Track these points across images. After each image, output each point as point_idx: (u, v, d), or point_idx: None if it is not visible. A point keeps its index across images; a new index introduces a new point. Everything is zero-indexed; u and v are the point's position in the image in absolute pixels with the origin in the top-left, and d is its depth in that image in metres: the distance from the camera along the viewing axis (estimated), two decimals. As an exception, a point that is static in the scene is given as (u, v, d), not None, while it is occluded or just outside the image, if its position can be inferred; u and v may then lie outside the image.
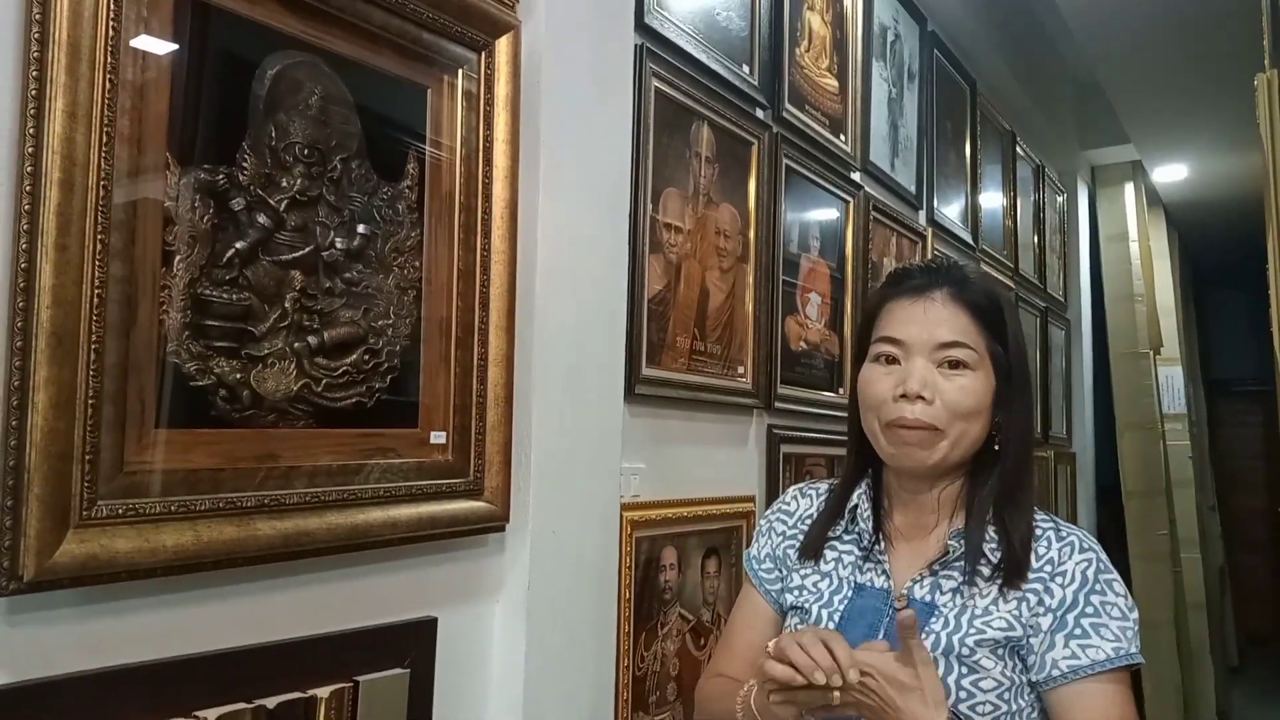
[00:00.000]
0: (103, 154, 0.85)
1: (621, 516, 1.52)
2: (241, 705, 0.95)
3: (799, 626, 1.09)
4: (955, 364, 1.02)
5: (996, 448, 1.05)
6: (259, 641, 0.99)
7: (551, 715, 1.31)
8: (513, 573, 1.30)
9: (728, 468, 1.88)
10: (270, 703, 0.97)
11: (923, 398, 1.00)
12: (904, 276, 1.08)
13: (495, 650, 1.29)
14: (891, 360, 1.04)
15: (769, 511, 1.22)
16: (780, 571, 1.16)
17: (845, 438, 1.17)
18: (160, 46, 0.91)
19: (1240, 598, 6.54)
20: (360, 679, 1.06)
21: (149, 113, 0.90)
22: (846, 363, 2.24)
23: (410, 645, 1.14)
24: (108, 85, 0.85)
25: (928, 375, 1.01)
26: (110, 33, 0.86)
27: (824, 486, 1.19)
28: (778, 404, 1.99)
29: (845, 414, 1.19)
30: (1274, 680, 5.84)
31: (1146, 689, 4.37)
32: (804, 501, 1.19)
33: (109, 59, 0.85)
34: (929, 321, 1.03)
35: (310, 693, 1.01)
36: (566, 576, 1.36)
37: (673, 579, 1.67)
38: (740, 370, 1.89)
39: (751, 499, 1.91)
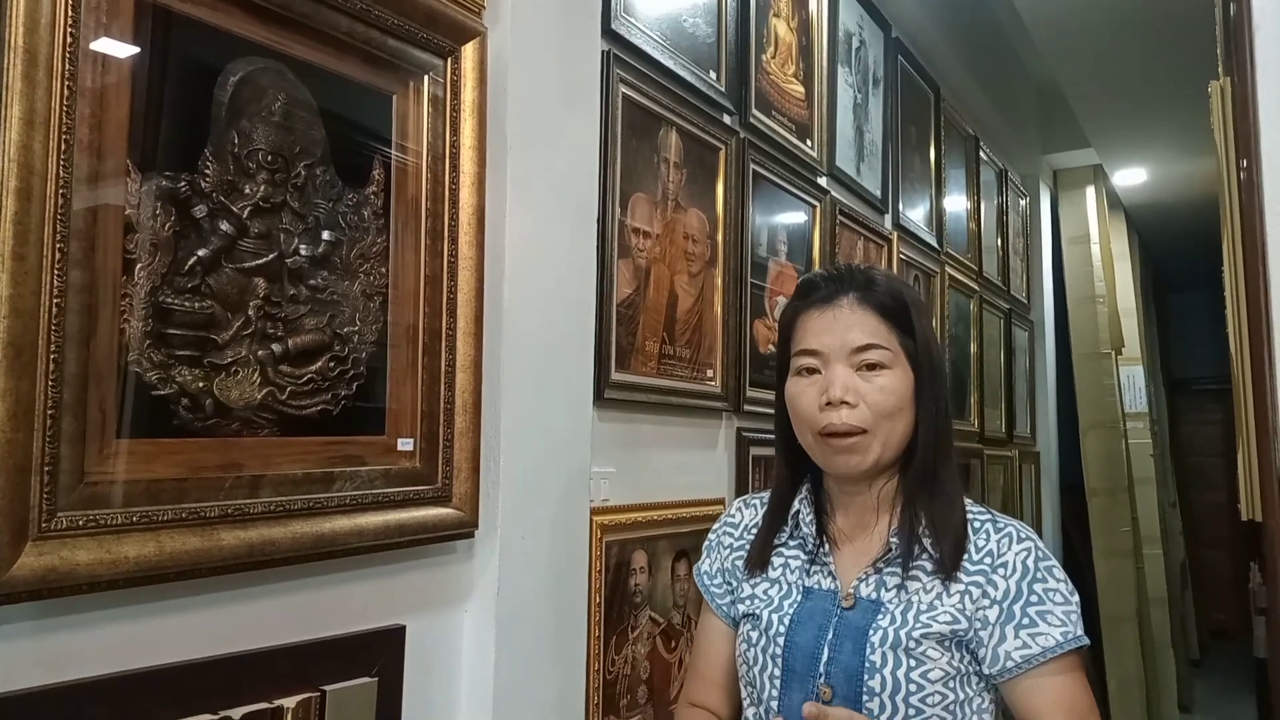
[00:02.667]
0: (61, 161, 0.84)
1: (591, 521, 1.52)
2: (207, 717, 0.94)
3: (750, 633, 1.11)
4: (872, 365, 1.05)
5: None
6: (224, 652, 0.98)
7: (522, 721, 1.31)
8: (482, 579, 1.29)
9: (697, 471, 1.89)
10: (236, 714, 0.96)
11: (847, 403, 1.04)
12: (811, 288, 1.12)
13: (465, 657, 1.29)
14: (812, 371, 1.08)
15: (716, 526, 1.24)
16: (730, 585, 1.18)
17: None
18: (120, 53, 0.90)
19: (1201, 592, 6.68)
20: (327, 689, 1.05)
21: (109, 120, 0.89)
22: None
23: (378, 654, 1.13)
24: (66, 92, 0.84)
25: (848, 380, 1.05)
26: (68, 39, 0.85)
27: (767, 496, 1.21)
28: (747, 407, 2.01)
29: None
30: (1234, 673, 5.95)
31: (1111, 684, 4.44)
32: (748, 512, 1.22)
33: (67, 66, 0.85)
34: (840, 328, 1.07)
35: (277, 703, 1.00)
36: (536, 582, 1.36)
37: (643, 582, 1.67)
38: (709, 374, 1.90)
39: (721, 502, 1.92)
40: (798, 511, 1.13)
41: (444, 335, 1.22)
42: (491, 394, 1.30)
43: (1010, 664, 1.00)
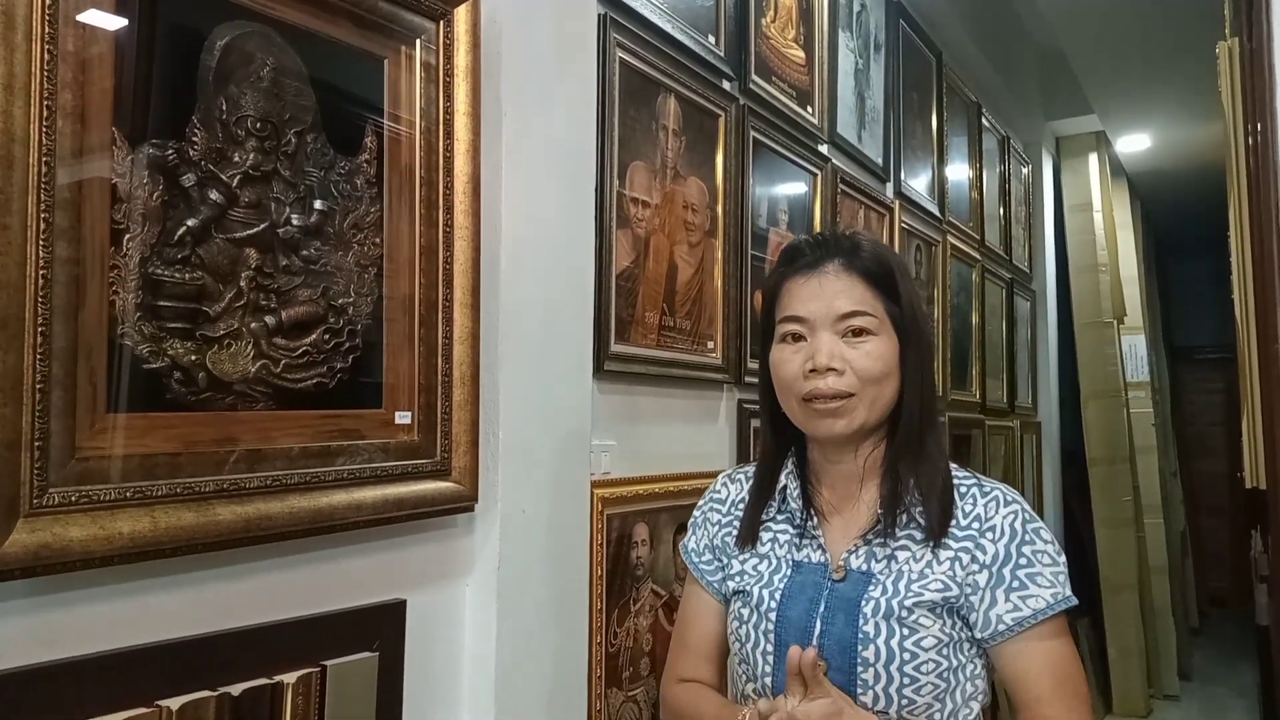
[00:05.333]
0: (43, 129, 0.82)
1: (592, 494, 1.51)
2: (205, 693, 0.93)
3: (741, 610, 1.10)
4: (858, 331, 1.05)
5: None
6: (222, 628, 0.97)
7: (525, 694, 1.31)
8: (483, 553, 1.28)
9: (699, 443, 1.88)
10: (235, 690, 0.95)
11: (833, 369, 1.03)
12: (796, 254, 1.10)
13: (466, 631, 1.28)
14: (798, 338, 1.07)
15: (701, 502, 1.23)
16: (719, 561, 1.17)
17: None
18: (103, 17, 0.87)
19: (1201, 560, 6.71)
20: (328, 663, 1.05)
21: (92, 86, 0.86)
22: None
23: (379, 628, 1.12)
24: (46, 57, 0.82)
25: (834, 347, 1.04)
26: (47, 1, 0.82)
27: (752, 470, 1.20)
28: (748, 378, 1.99)
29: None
30: (1233, 640, 5.99)
31: (1111, 652, 4.47)
32: (734, 488, 1.20)
33: (46, 29, 0.82)
34: (826, 295, 1.05)
35: (276, 679, 0.99)
36: (537, 555, 1.35)
37: (645, 555, 1.67)
38: (710, 345, 1.89)
39: (723, 473, 1.91)
40: (784, 485, 1.12)
41: (440, 306, 1.20)
42: (490, 366, 1.28)
43: (1001, 627, 1.00)
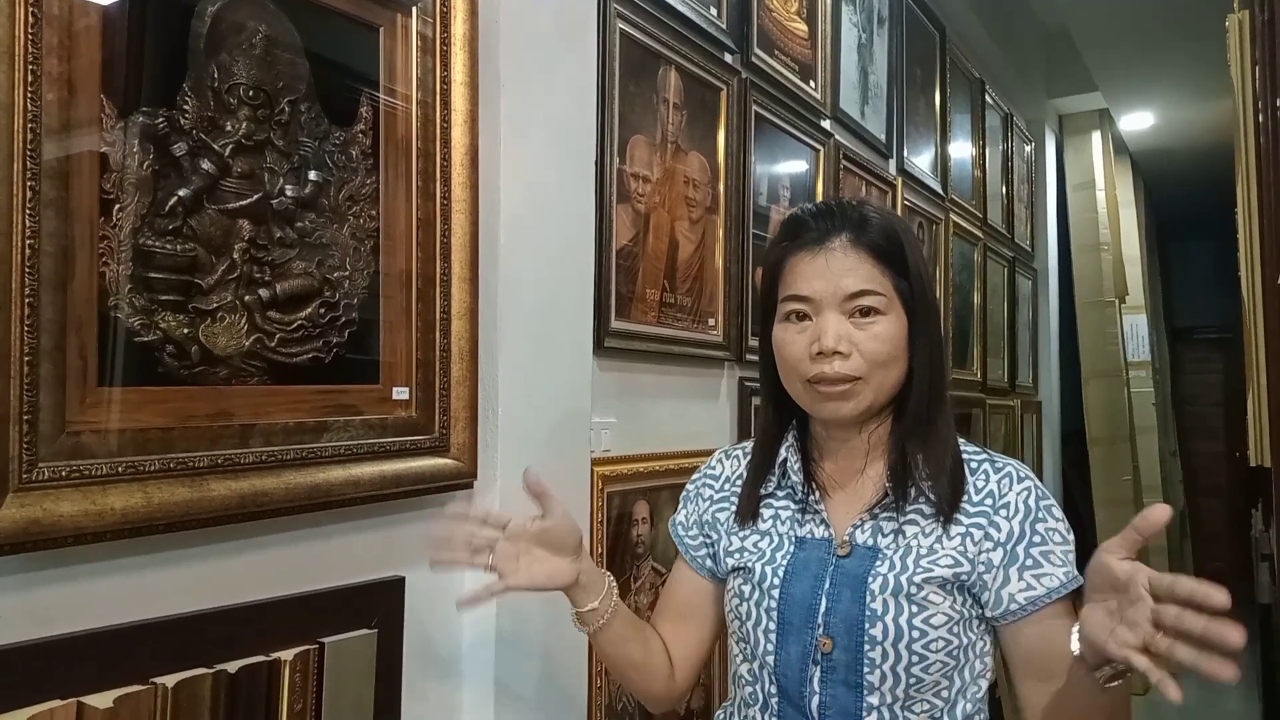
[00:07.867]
0: (28, 95, 0.79)
1: (592, 471, 1.50)
2: (201, 670, 0.92)
3: (742, 587, 1.08)
4: (866, 311, 1.00)
5: None
6: (218, 605, 0.96)
7: (524, 673, 1.30)
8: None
9: (699, 421, 1.86)
10: (231, 667, 0.94)
11: (839, 353, 0.99)
12: (800, 227, 1.05)
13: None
14: (802, 317, 1.02)
15: (695, 478, 1.20)
16: (708, 537, 1.15)
17: None
18: (89, -20, 0.85)
19: (1199, 540, 6.72)
20: (326, 641, 1.04)
21: (79, 52, 0.84)
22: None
23: (377, 605, 1.11)
24: (31, 19, 0.79)
25: (841, 329, 0.99)
26: (31, -37, 0.80)
27: (749, 446, 1.16)
28: (749, 356, 1.97)
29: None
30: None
31: (1109, 630, 4.46)
32: (729, 464, 1.17)
33: (31, -8, 0.80)
34: (832, 273, 1.00)
35: (274, 656, 0.98)
36: (537, 532, 1.33)
37: (645, 533, 1.66)
38: (711, 323, 1.87)
39: (723, 452, 1.90)
40: (785, 459, 1.09)
41: (438, 280, 1.18)
42: (488, 342, 1.26)
43: (1014, 606, 0.98)
